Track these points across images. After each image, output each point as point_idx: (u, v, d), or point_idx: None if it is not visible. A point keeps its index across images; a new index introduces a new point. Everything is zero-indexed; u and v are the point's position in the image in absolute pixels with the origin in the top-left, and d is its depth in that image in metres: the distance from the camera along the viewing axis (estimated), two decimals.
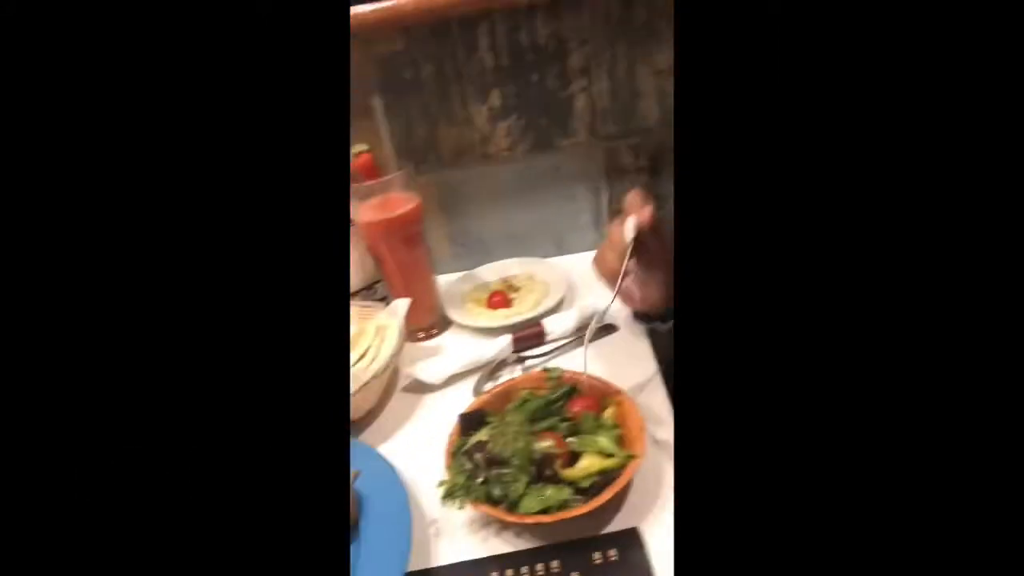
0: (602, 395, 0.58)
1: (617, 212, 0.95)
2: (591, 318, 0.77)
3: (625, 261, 0.56)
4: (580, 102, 0.84)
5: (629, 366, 0.68)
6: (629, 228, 0.56)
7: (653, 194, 0.60)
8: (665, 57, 0.82)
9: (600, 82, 0.83)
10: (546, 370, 0.61)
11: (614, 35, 0.80)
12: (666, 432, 0.58)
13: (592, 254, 0.88)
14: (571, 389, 0.59)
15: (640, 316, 0.63)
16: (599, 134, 0.87)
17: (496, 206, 0.92)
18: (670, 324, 0.61)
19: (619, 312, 0.78)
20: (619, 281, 0.57)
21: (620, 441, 0.54)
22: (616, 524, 0.50)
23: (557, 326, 0.75)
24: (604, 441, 0.53)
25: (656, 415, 0.60)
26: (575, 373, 0.61)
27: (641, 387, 0.64)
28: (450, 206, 0.92)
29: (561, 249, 0.96)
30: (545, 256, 0.93)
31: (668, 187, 0.91)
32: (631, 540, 0.48)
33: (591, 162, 0.89)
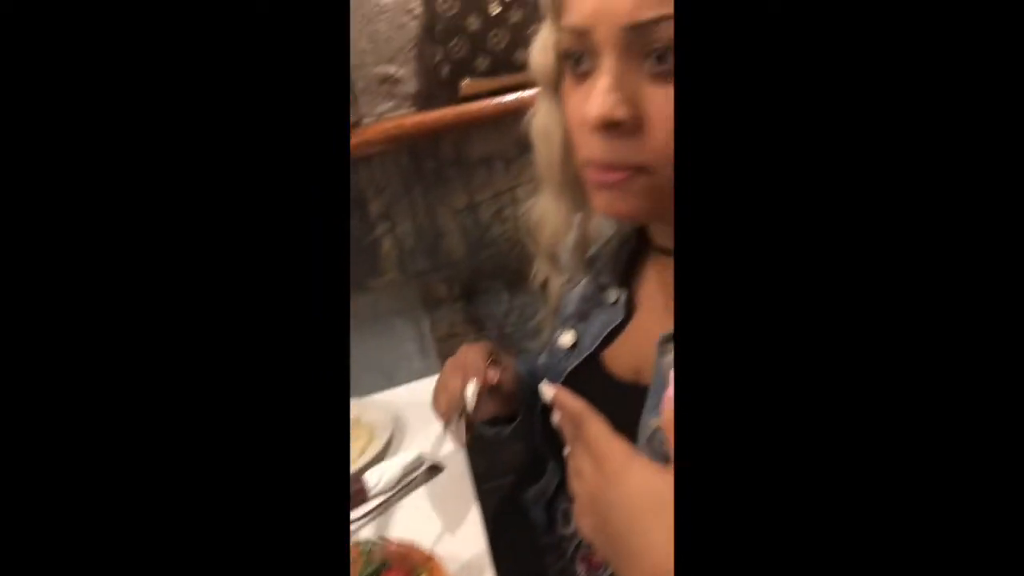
0: (413, 565, 0.58)
1: (444, 338, 0.98)
2: (415, 464, 0.77)
3: (463, 414, 0.57)
4: (386, 244, 0.87)
5: (452, 511, 0.69)
6: (471, 394, 0.57)
7: (475, 322, 0.62)
8: (460, 197, 0.88)
9: (403, 224, 0.87)
10: (359, 544, 0.60)
11: (408, 183, 0.85)
12: None
13: (420, 383, 0.91)
14: (383, 563, 0.58)
15: (482, 426, 0.64)
16: (409, 271, 0.90)
17: None
18: (510, 429, 0.63)
19: (446, 450, 0.79)
20: (452, 423, 0.58)
21: None
22: None
23: (380, 479, 0.74)
24: None
25: (473, 567, 0.61)
26: (388, 543, 0.60)
27: (461, 535, 0.65)
28: None
29: (392, 381, 0.96)
30: (374, 389, 0.93)
31: (486, 310, 0.96)
32: None
33: (407, 295, 0.92)
